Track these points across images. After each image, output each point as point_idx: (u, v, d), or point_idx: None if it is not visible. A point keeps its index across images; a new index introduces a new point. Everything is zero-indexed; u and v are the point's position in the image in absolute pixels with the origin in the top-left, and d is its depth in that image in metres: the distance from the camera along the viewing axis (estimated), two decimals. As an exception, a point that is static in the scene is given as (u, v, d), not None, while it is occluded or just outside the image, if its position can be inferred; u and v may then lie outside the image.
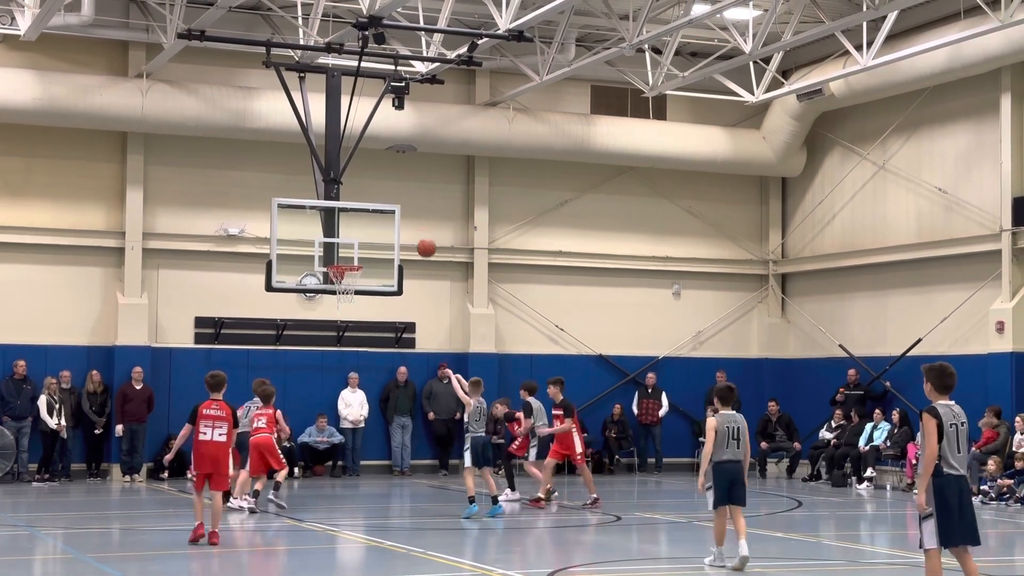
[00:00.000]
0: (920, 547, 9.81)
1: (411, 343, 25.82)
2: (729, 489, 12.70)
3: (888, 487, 23.19)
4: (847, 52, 23.02)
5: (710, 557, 12.77)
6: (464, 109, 25.44)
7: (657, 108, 26.76)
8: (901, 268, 25.37)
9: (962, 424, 9.78)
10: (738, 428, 12.76)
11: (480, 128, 25.26)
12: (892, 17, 21.27)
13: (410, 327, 25.75)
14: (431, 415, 25.26)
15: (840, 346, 26.24)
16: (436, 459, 25.61)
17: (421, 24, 21.58)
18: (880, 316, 25.86)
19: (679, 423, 27.08)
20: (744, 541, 12.42)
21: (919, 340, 24.43)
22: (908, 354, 24.57)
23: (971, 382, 22.91)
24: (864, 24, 21.91)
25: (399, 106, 20.11)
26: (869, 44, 22.16)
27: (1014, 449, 21.07)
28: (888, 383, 24.59)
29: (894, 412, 23.71)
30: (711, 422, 12.76)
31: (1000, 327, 22.83)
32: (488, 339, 26.02)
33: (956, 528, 9.67)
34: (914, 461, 20.44)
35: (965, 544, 9.76)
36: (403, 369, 25.19)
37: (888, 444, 23.42)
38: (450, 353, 25.88)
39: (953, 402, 9.84)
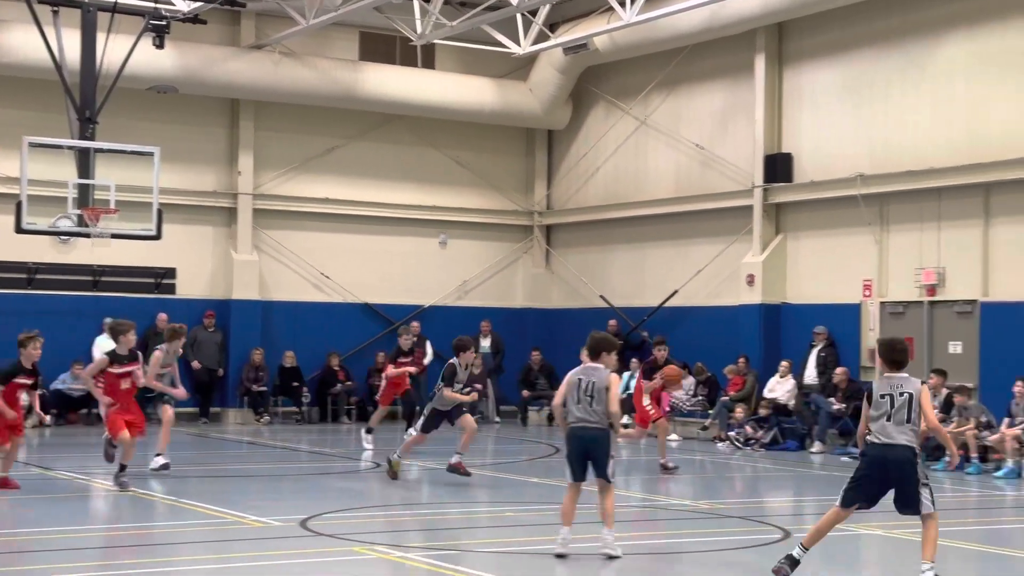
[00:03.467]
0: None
1: (171, 289, 25.27)
2: (583, 460, 10.59)
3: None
4: (611, 8, 23.46)
5: (557, 545, 10.41)
6: (228, 51, 24.91)
7: (426, 57, 26.75)
8: (660, 221, 26.11)
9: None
10: (592, 383, 10.58)
11: (245, 71, 24.79)
12: (655, -25, 21.75)
13: (170, 272, 25.19)
14: (195, 364, 24.79)
15: (601, 297, 26.89)
16: (197, 407, 25.20)
17: (184, -39, 21.04)
18: (639, 268, 26.58)
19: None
20: (609, 531, 10.33)
21: (675, 292, 25.24)
22: (664, 305, 25.39)
23: (723, 332, 23.96)
24: (628, -19, 22.36)
25: (159, 45, 19.70)
26: (632, 1, 22.62)
27: (765, 395, 22.04)
28: (646, 333, 25.31)
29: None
30: (568, 376, 10.84)
31: (751, 280, 23.74)
32: (252, 286, 25.70)
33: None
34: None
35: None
36: (163, 315, 24.59)
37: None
38: (212, 300, 25.51)
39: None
